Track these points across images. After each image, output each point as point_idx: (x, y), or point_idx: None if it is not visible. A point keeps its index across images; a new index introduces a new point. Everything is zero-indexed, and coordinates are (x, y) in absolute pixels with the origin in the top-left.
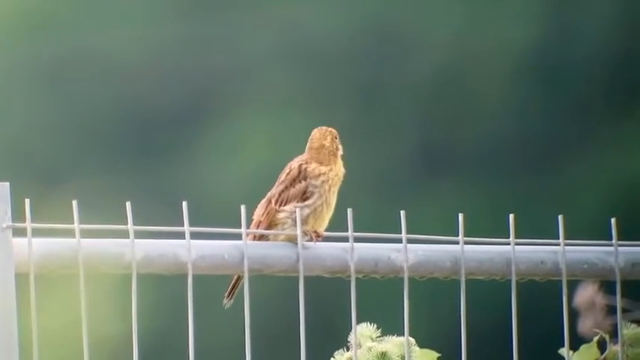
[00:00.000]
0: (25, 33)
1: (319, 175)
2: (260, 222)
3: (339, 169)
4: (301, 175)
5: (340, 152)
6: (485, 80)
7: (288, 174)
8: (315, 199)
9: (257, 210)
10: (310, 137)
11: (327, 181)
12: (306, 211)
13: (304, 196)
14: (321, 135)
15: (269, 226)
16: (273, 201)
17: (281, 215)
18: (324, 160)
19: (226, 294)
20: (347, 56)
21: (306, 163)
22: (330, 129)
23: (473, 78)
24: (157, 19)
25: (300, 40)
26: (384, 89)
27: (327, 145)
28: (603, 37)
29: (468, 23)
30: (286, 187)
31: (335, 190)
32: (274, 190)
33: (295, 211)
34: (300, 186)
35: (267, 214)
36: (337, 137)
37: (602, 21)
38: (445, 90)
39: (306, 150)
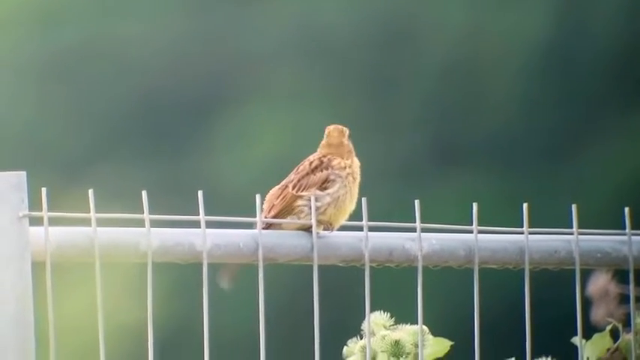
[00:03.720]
0: (41, 23)
1: (345, 167)
2: (274, 205)
3: (357, 165)
4: (324, 164)
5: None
6: (499, 70)
7: (310, 163)
8: (338, 188)
9: (268, 197)
10: (327, 134)
11: (352, 173)
12: (327, 199)
13: (324, 185)
14: (339, 132)
15: (283, 211)
16: (290, 186)
17: (299, 202)
18: (344, 156)
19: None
20: (359, 47)
21: (328, 157)
22: (345, 127)
23: (486, 68)
24: (171, 10)
25: (313, 32)
26: (400, 80)
27: (346, 142)
28: (615, 28)
29: (480, 14)
30: (307, 174)
31: (357, 185)
32: (291, 177)
33: (312, 199)
34: (320, 175)
35: (283, 198)
36: (350, 135)
37: (614, 12)
38: (458, 79)
39: (322, 146)
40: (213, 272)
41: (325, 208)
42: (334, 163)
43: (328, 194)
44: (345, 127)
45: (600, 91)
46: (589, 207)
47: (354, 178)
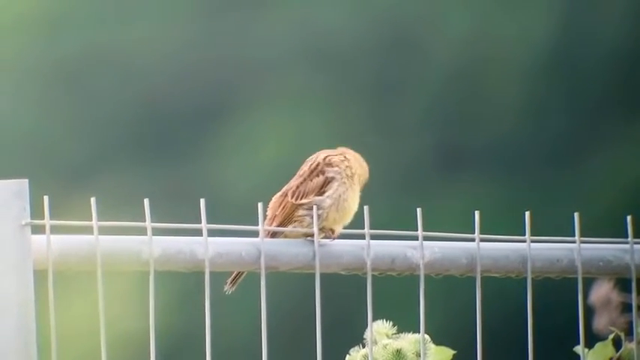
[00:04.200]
0: (45, 30)
1: (343, 160)
2: (275, 216)
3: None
4: (320, 167)
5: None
6: (502, 77)
7: (310, 166)
8: (337, 186)
9: (271, 204)
10: (359, 160)
11: (351, 167)
12: (328, 202)
13: (322, 189)
14: (366, 167)
15: (285, 221)
16: (289, 194)
17: (300, 212)
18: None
19: (229, 280)
20: (363, 54)
21: (329, 157)
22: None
23: (489, 75)
24: (175, 17)
25: (317, 38)
26: (403, 86)
27: (364, 174)
28: (621, 35)
29: (485, 20)
30: (304, 180)
31: (356, 182)
32: (292, 183)
33: (314, 209)
34: (317, 180)
35: (283, 207)
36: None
37: (620, 19)
38: (461, 86)
39: (348, 158)
40: (215, 280)
41: (327, 213)
42: (333, 160)
43: (328, 196)
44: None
45: (604, 99)
46: (591, 215)
47: (352, 173)
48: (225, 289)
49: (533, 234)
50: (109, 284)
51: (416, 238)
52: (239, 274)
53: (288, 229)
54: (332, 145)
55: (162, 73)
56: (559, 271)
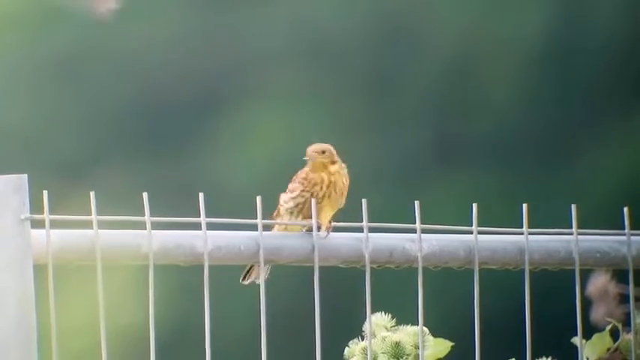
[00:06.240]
0: (40, 24)
1: (305, 177)
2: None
3: (329, 174)
4: (295, 176)
5: (333, 161)
6: (498, 70)
7: (290, 178)
8: (297, 194)
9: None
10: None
11: (307, 187)
12: (291, 203)
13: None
14: (312, 149)
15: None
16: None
17: (279, 206)
18: (316, 169)
19: (242, 276)
20: (360, 47)
21: (304, 170)
22: (320, 145)
23: (485, 68)
24: (171, 10)
25: (314, 32)
26: (398, 79)
27: (313, 158)
28: (616, 26)
29: (480, 13)
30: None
31: (327, 192)
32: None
33: (287, 201)
34: (293, 185)
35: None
36: (325, 151)
37: (616, 10)
38: (458, 80)
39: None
40: (214, 273)
41: (292, 209)
42: (301, 174)
43: (292, 198)
44: (323, 145)
45: (599, 91)
46: (586, 207)
47: (309, 192)
48: (240, 280)
49: (530, 226)
50: (108, 278)
51: (414, 231)
52: (250, 270)
53: (287, 221)
54: (328, 139)
55: (159, 67)
56: (557, 262)
